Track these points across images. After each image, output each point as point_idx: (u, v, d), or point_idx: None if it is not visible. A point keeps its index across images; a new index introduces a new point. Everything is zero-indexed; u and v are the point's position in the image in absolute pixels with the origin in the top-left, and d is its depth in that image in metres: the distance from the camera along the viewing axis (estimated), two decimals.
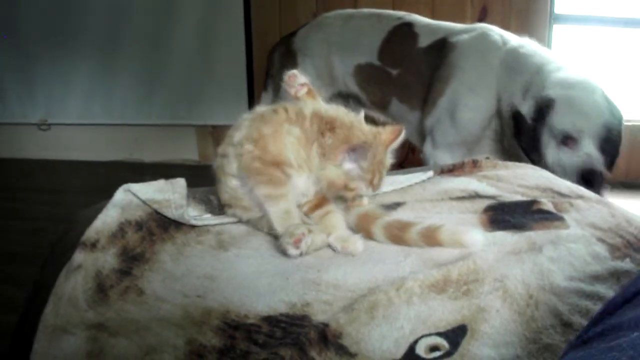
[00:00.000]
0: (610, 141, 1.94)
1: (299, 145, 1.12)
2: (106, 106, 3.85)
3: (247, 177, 1.15)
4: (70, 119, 3.88)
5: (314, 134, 1.13)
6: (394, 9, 2.80)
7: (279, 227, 1.14)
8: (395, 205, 1.30)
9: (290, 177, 1.13)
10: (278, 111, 1.15)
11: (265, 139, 1.12)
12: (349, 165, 1.13)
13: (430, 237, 1.12)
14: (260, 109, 1.20)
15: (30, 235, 2.79)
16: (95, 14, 3.69)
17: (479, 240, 1.11)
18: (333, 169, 1.13)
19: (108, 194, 1.28)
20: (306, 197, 1.18)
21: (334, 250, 1.14)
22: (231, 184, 1.19)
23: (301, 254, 1.10)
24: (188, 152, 3.89)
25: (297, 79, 1.20)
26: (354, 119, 1.16)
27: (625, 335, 0.62)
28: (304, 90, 1.20)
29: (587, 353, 0.63)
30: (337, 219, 1.17)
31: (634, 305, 0.69)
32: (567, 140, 1.92)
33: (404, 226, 1.15)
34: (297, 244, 1.09)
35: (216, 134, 3.79)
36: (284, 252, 1.10)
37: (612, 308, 0.72)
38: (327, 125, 1.12)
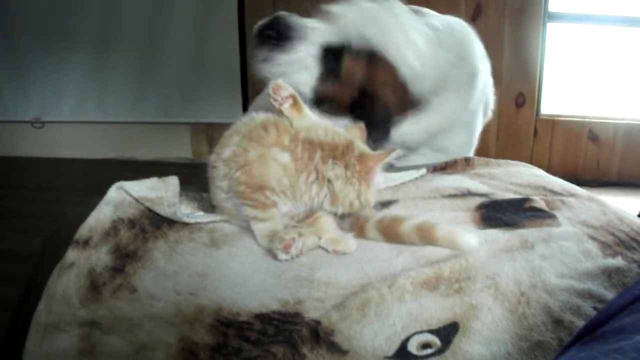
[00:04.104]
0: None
1: (284, 173, 1.11)
2: (100, 104, 3.84)
3: (236, 197, 1.15)
4: (64, 116, 3.87)
5: (304, 163, 1.11)
6: None
7: (263, 244, 1.15)
8: (388, 203, 1.31)
9: (275, 202, 1.13)
10: (269, 130, 1.13)
11: (250, 164, 1.11)
12: (377, 180, 1.15)
13: (426, 232, 1.12)
14: (253, 120, 1.17)
15: (23, 233, 2.79)
16: (89, 11, 3.68)
17: (474, 243, 1.11)
18: (368, 191, 1.14)
19: (101, 192, 1.27)
20: (294, 219, 1.18)
21: (326, 252, 1.14)
22: (220, 197, 1.19)
23: (292, 258, 1.10)
24: (182, 149, 3.89)
25: (281, 91, 1.17)
26: (342, 133, 1.16)
27: (627, 338, 0.63)
28: (289, 102, 1.17)
29: (589, 355, 0.63)
30: (327, 221, 1.16)
31: (636, 309, 0.70)
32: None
33: (397, 220, 1.15)
34: (287, 249, 1.09)
35: (210, 131, 3.79)
36: (274, 257, 1.11)
37: (613, 311, 0.72)
38: (330, 153, 1.11)
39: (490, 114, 1.86)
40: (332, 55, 1.51)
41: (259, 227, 1.15)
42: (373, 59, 1.52)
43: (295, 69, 1.50)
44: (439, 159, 1.61)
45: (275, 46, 1.50)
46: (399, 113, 1.57)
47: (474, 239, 1.12)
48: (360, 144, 1.15)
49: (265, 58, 1.50)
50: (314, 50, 1.50)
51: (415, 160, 1.63)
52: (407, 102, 1.56)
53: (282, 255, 1.09)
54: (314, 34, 1.51)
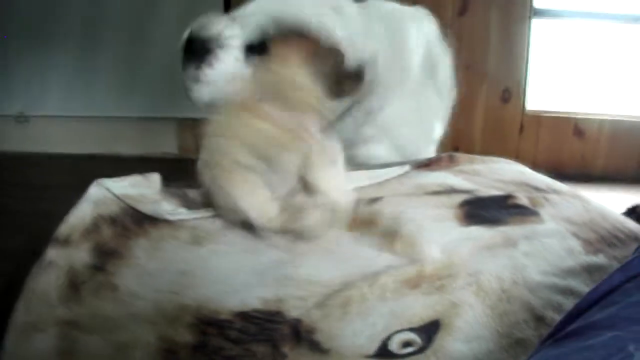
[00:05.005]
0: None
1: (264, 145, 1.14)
2: (86, 99, 3.80)
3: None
4: (49, 111, 3.84)
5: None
6: None
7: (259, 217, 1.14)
8: (372, 201, 1.30)
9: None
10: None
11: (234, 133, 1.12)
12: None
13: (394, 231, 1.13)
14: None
15: (8, 230, 2.77)
16: (74, 4, 3.65)
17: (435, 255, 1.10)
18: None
19: (86, 188, 1.27)
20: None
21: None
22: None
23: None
24: (168, 145, 3.86)
25: None
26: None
27: (598, 335, 0.63)
28: None
29: (560, 352, 0.63)
30: None
31: (607, 304, 0.70)
32: None
33: (373, 214, 1.17)
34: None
35: (196, 127, 3.76)
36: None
37: (585, 306, 0.72)
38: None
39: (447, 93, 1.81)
40: (257, 52, 1.45)
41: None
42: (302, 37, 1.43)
43: (226, 79, 1.46)
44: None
45: (200, 62, 1.47)
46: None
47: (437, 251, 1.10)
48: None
49: (194, 78, 1.48)
50: (238, 53, 1.46)
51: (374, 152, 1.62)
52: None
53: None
54: (233, 38, 1.48)
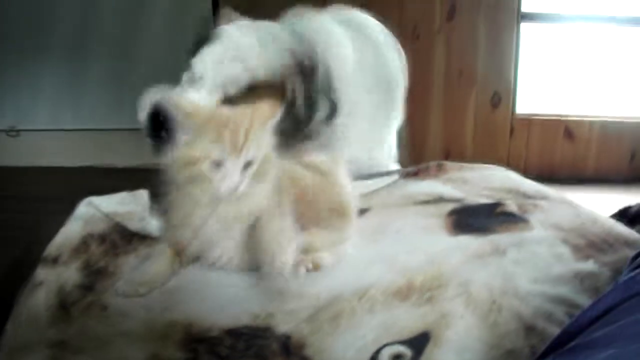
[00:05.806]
0: None
1: None
2: (76, 111, 3.80)
3: None
4: (40, 125, 3.83)
5: None
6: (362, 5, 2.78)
7: None
8: (361, 212, 1.30)
9: None
10: None
11: None
12: None
13: None
14: None
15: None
16: (64, 17, 3.65)
17: None
18: None
19: (79, 201, 1.27)
20: None
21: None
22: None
23: None
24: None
25: None
26: None
27: (599, 352, 0.63)
28: None
29: None
30: None
31: (607, 322, 0.70)
32: None
33: None
34: None
35: None
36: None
37: (585, 323, 0.72)
38: None
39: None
40: None
41: None
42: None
43: None
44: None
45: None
46: None
47: None
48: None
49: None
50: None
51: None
52: None
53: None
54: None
